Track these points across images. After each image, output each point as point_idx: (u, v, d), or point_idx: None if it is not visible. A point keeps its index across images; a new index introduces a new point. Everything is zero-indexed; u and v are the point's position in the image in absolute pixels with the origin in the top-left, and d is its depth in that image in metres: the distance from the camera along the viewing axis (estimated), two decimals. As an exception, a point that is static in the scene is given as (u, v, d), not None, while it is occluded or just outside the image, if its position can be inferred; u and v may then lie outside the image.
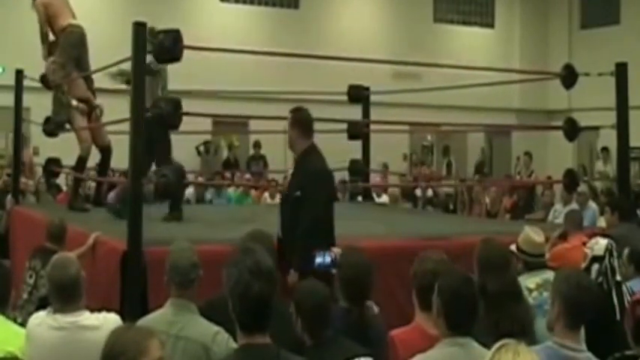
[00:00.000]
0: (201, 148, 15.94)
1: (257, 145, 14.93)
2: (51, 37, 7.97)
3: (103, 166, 8.18)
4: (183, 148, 14.13)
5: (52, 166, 8.79)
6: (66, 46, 7.74)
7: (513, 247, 4.64)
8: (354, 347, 3.43)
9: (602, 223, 8.32)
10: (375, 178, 12.19)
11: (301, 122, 5.15)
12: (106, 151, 8.03)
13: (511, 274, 4.11)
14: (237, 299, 2.72)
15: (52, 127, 8.14)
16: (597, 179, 14.05)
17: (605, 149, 15.48)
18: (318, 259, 4.47)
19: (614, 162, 13.79)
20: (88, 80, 8.01)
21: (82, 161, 7.81)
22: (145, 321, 3.67)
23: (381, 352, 3.50)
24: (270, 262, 2.81)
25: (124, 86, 11.74)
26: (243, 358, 2.75)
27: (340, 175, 11.19)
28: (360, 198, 10.24)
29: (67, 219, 6.23)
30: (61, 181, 10.95)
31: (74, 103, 7.73)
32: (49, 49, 7.95)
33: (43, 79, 8.13)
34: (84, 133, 7.79)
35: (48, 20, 7.86)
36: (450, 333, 3.11)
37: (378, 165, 12.30)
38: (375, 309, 3.93)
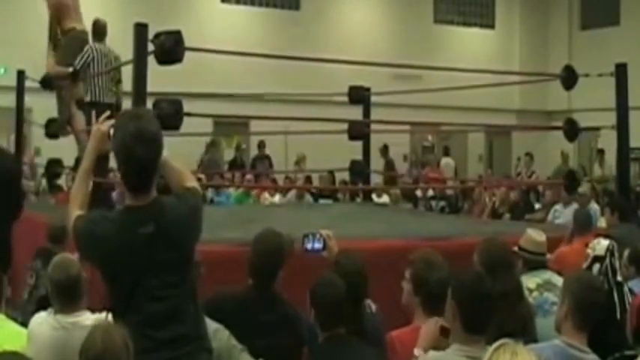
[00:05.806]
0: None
1: (261, 145, 14.95)
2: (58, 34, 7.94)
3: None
4: (184, 148, 14.16)
5: (54, 167, 8.79)
6: (65, 49, 7.70)
7: (515, 249, 4.66)
8: (364, 349, 3.44)
9: (602, 223, 8.31)
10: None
11: None
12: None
13: (513, 274, 4.11)
14: (121, 162, 2.94)
15: (55, 128, 8.14)
16: (595, 181, 14.03)
17: (600, 151, 15.45)
18: (308, 245, 4.06)
19: (609, 164, 13.85)
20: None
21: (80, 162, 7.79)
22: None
23: (380, 349, 3.51)
24: (154, 128, 2.94)
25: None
26: (127, 216, 2.96)
27: (341, 176, 11.29)
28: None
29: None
30: (62, 181, 10.96)
31: (72, 106, 7.72)
32: (55, 44, 7.91)
33: (44, 81, 8.08)
34: (83, 135, 7.78)
35: (57, 17, 7.81)
36: (465, 336, 3.02)
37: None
38: (373, 307, 3.93)
